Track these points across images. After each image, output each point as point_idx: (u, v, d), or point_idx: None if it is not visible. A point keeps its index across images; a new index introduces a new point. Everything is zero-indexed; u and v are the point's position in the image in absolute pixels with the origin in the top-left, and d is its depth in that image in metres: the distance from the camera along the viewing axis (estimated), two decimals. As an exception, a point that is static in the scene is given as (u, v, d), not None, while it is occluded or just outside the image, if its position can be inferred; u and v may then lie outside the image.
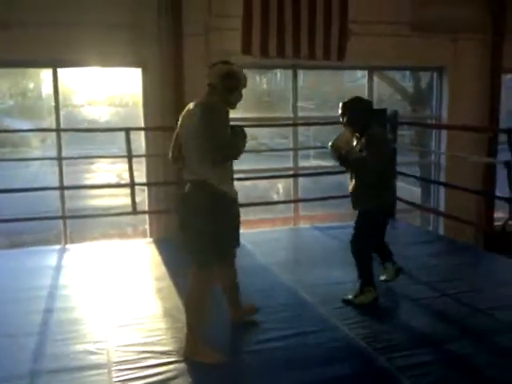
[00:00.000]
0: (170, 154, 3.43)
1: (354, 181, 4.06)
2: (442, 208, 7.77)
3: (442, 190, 7.77)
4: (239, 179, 6.66)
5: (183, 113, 3.30)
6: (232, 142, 3.18)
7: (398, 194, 6.73)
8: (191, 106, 3.25)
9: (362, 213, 4.06)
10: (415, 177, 7.62)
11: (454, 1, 7.16)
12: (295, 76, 7.18)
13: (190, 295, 3.27)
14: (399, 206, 6.82)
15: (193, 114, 3.16)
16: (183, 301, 3.42)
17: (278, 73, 8.15)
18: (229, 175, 3.35)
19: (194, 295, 3.22)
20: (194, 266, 3.21)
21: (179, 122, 3.30)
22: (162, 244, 5.73)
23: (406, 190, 7.85)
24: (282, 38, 6.48)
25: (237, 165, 6.43)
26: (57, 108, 6.42)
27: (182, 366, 3.09)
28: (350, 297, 3.95)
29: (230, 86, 3.25)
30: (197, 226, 3.14)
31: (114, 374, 2.99)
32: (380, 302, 4.02)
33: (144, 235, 6.87)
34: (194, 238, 3.18)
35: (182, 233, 3.24)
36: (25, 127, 7.47)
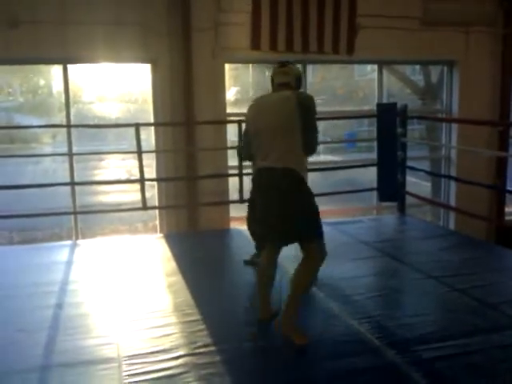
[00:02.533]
0: (245, 152, 3.77)
1: None
2: (452, 202, 7.73)
3: (453, 184, 7.72)
4: (249, 174, 6.68)
5: (259, 107, 3.39)
6: None
7: (408, 188, 6.79)
8: (275, 98, 3.36)
9: None
10: (425, 171, 7.58)
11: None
12: (304, 71, 7.15)
13: (308, 270, 3.34)
14: (410, 200, 6.82)
15: (288, 106, 3.23)
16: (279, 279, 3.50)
17: (288, 68, 8.12)
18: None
19: (313, 270, 3.37)
20: (312, 242, 3.29)
21: (257, 115, 3.37)
22: (173, 239, 5.75)
23: (416, 184, 7.82)
24: (290, 32, 6.47)
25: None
26: (67, 104, 6.44)
27: (191, 360, 3.10)
28: None
29: (299, 87, 3.57)
30: (305, 202, 3.27)
31: (124, 368, 3.00)
32: (390, 297, 4.01)
33: (154, 231, 6.89)
34: (306, 215, 3.26)
35: (282, 216, 3.24)
36: (35, 124, 7.51)
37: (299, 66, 7.07)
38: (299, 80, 3.57)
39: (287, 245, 3.42)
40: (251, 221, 4.28)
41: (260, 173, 3.36)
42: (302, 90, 3.61)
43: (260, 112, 3.38)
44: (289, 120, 3.23)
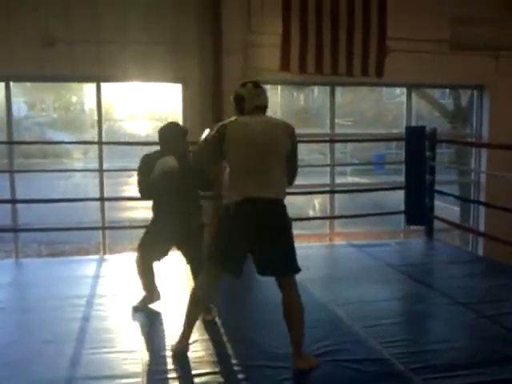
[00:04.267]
0: (206, 163, 3.49)
1: None
2: (481, 228, 7.61)
3: (482, 209, 7.62)
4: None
5: (248, 129, 3.18)
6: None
7: (437, 212, 6.72)
8: (263, 122, 3.22)
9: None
10: (454, 195, 7.50)
11: (494, 18, 7.07)
12: (333, 92, 7.19)
13: (296, 307, 3.21)
14: (438, 225, 6.75)
15: (277, 132, 3.17)
16: (285, 316, 3.23)
17: (316, 89, 8.18)
18: None
19: (300, 305, 3.22)
20: (289, 276, 3.20)
21: (247, 136, 3.17)
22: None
23: (445, 208, 7.74)
24: (320, 54, 6.52)
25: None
26: (99, 122, 6.57)
27: (215, 378, 3.09)
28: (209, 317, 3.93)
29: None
30: (290, 235, 3.20)
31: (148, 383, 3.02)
32: (416, 322, 3.95)
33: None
34: (289, 248, 3.19)
35: (270, 247, 3.14)
36: (67, 139, 7.68)
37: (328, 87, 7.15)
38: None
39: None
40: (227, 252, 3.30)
41: (251, 203, 3.10)
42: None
43: (251, 133, 3.16)
44: (282, 148, 3.15)
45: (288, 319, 3.21)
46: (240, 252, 3.20)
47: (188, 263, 4.15)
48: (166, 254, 4.19)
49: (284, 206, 3.21)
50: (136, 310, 4.16)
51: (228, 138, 3.15)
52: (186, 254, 4.16)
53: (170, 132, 4.11)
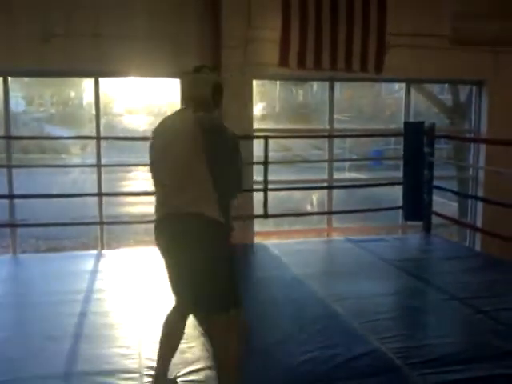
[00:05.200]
0: (168, 182, 2.65)
1: None
2: (479, 223, 7.63)
3: (480, 205, 7.63)
4: (274, 190, 6.71)
5: (165, 128, 2.73)
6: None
7: (435, 208, 6.73)
8: (177, 120, 2.68)
9: None
10: (452, 191, 7.51)
11: (494, 14, 7.06)
12: (332, 88, 7.18)
13: (227, 355, 2.64)
14: (436, 220, 6.76)
15: (194, 132, 2.58)
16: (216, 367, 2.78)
17: (315, 85, 8.17)
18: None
19: (234, 352, 2.64)
20: (213, 318, 2.63)
21: (161, 140, 2.68)
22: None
23: (443, 204, 7.75)
24: (319, 50, 6.51)
25: (271, 176, 6.51)
26: (97, 117, 6.56)
27: (211, 373, 3.10)
28: None
29: (219, 102, 2.80)
30: (215, 265, 2.57)
31: (146, 379, 3.03)
32: (413, 317, 3.97)
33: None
34: (215, 281, 2.57)
35: (184, 278, 2.67)
36: (65, 135, 7.68)
37: (327, 83, 7.15)
38: (218, 92, 2.78)
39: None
40: None
41: (164, 221, 2.66)
42: (221, 106, 2.83)
43: (162, 138, 2.67)
44: (192, 152, 2.54)
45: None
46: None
47: None
48: None
49: (208, 226, 2.55)
50: None
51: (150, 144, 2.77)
52: None
53: None
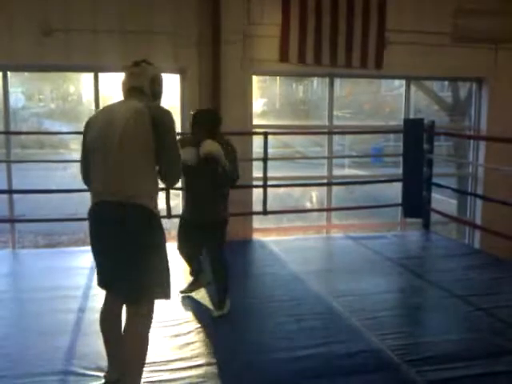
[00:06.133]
0: (82, 175, 2.84)
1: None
2: (478, 221, 7.62)
3: (479, 202, 7.62)
4: (273, 186, 6.70)
5: (100, 119, 2.74)
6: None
7: (434, 205, 6.73)
8: (120, 109, 2.70)
9: (223, 224, 3.99)
10: (451, 188, 7.50)
11: (495, 11, 7.04)
12: (331, 84, 7.16)
13: (136, 344, 2.71)
14: (435, 217, 6.76)
15: (135, 120, 2.62)
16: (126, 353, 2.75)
17: (315, 81, 8.15)
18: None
19: (143, 342, 2.72)
20: (132, 306, 2.71)
21: (95, 132, 2.70)
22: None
23: (443, 201, 7.74)
24: (319, 45, 6.51)
25: (271, 172, 6.49)
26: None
27: (210, 369, 3.10)
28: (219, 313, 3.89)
29: (158, 93, 2.93)
30: (145, 256, 2.66)
31: (144, 375, 3.02)
32: (413, 314, 3.96)
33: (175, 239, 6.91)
34: (142, 271, 2.65)
35: (114, 266, 2.67)
36: (64, 130, 7.65)
37: (326, 79, 7.14)
38: (157, 83, 2.91)
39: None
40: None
41: (96, 208, 2.68)
42: (161, 97, 2.97)
43: (100, 126, 2.69)
44: (137, 139, 2.60)
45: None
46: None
47: (206, 254, 4.14)
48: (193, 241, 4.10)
49: (141, 212, 2.64)
50: (182, 292, 4.28)
51: (83, 138, 2.82)
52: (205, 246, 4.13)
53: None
